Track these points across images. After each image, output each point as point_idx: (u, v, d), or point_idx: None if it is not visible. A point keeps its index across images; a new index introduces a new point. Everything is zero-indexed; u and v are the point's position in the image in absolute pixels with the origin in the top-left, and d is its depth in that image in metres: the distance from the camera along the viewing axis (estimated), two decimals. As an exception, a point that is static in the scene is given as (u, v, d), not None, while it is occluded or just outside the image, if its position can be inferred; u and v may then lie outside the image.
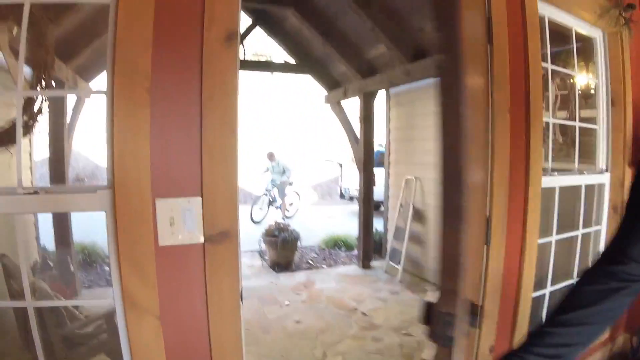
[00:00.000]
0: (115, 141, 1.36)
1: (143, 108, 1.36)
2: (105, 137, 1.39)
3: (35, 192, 1.45)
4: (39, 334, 1.72)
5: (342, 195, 13.12)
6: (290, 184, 12.14)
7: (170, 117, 1.39)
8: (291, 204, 12.11)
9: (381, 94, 6.83)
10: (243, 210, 10.64)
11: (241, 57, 6.77)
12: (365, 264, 6.64)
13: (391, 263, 6.30)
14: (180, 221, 1.40)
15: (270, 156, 12.07)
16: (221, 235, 1.42)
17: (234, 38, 1.41)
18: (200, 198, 1.40)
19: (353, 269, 6.67)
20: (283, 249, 6.66)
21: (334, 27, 5.87)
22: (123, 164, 1.36)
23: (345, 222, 10.16)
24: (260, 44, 7.55)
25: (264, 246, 7.02)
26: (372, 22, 4.86)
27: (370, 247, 6.76)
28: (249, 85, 20.74)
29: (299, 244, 6.97)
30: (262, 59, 7.71)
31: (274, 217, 10.49)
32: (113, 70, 1.36)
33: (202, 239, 1.41)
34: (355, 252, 7.29)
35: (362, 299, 5.24)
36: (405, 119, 6.55)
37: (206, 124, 1.39)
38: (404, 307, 4.94)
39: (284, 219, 10.79)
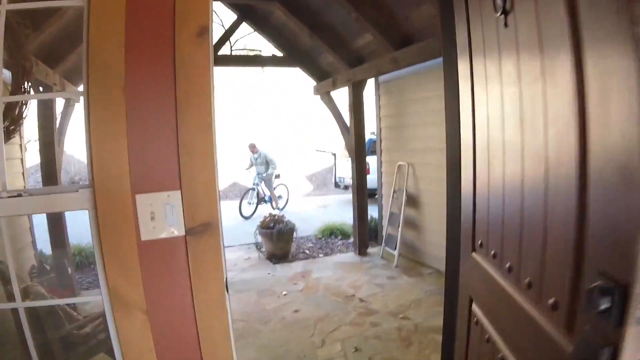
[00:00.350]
0: (92, 140, 1.38)
1: (118, 106, 1.38)
2: (85, 137, 1.42)
3: (19, 195, 1.48)
4: (35, 336, 1.74)
5: (337, 185, 13.13)
6: (277, 176, 11.82)
7: (146, 114, 1.41)
8: (280, 197, 11.91)
9: (370, 83, 6.85)
10: (234, 205, 10.38)
11: (227, 53, 6.78)
12: (362, 251, 6.69)
13: (387, 249, 6.35)
14: (161, 215, 1.42)
15: (252, 147, 11.67)
16: (202, 227, 1.45)
17: (206, 33, 1.43)
18: (180, 191, 1.43)
19: (350, 256, 6.72)
20: (279, 241, 6.70)
21: (319, 18, 5.86)
22: (101, 162, 1.39)
23: (341, 211, 10.19)
24: (249, 38, 7.51)
25: (260, 238, 7.05)
26: (357, 12, 4.86)
27: (365, 234, 6.82)
28: (241, 80, 20.72)
29: (295, 234, 7.02)
30: (253, 54, 7.68)
31: (265, 211, 10.36)
32: (88, 70, 1.39)
33: (183, 232, 1.44)
34: (351, 240, 7.33)
35: (359, 285, 5.29)
36: (395, 106, 6.57)
37: (181, 118, 1.41)
38: (401, 291, 4.99)
39: (276, 210, 10.80)
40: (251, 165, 11.74)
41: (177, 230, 1.44)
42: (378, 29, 4.92)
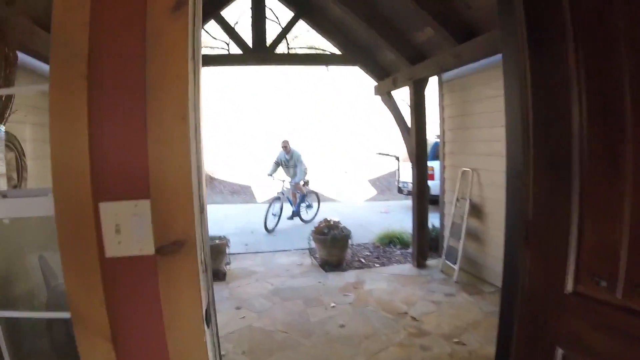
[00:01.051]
0: (51, 136, 1.17)
1: (80, 97, 1.15)
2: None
3: (-8, 198, 1.32)
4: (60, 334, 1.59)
5: (400, 190, 12.54)
6: (306, 182, 10.16)
7: (111, 106, 1.16)
8: (310, 206, 10.43)
9: (434, 82, 6.40)
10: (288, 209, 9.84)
11: (284, 51, 6.60)
12: (420, 262, 6.24)
13: (447, 262, 5.86)
14: (128, 229, 1.17)
15: (285, 145, 9.96)
16: (175, 245, 1.17)
17: (184, 5, 1.16)
18: (149, 200, 1.17)
19: (407, 268, 6.29)
20: (333, 247, 6.39)
21: (377, 11, 5.52)
22: (60, 162, 1.17)
23: (403, 218, 9.70)
24: (307, 36, 7.31)
25: (314, 244, 6.78)
26: (415, 3, 4.47)
27: (425, 245, 6.34)
28: (305, 81, 20.76)
29: (350, 242, 6.68)
30: (311, 52, 7.47)
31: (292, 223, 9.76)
32: (51, 53, 1.17)
33: (153, 250, 1.18)
34: (410, 250, 6.88)
35: (413, 301, 4.88)
36: (459, 106, 6.06)
37: (151, 111, 1.15)
38: (458, 310, 4.52)
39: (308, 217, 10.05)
40: (275, 170, 10.04)
41: (146, 248, 1.18)
42: (438, 20, 4.50)
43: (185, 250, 1.18)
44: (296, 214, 10.03)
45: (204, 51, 6.85)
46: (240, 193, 15.03)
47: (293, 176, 9.96)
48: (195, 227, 1.18)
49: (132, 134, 1.16)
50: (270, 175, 9.97)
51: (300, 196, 10.05)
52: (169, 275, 1.19)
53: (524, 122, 1.53)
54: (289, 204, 9.89)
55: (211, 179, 15.64)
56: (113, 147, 1.16)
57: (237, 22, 6.47)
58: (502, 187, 4.84)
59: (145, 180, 1.16)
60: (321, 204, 10.59)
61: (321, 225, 6.78)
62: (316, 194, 10.60)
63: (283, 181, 9.86)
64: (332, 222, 6.85)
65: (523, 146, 1.55)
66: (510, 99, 1.71)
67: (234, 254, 6.79)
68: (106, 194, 1.17)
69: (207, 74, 19.04)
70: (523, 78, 1.56)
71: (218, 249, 6.06)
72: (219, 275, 5.96)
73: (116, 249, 1.18)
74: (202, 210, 1.24)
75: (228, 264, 6.35)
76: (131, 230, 1.17)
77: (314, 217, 10.11)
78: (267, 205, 9.41)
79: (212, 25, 6.54)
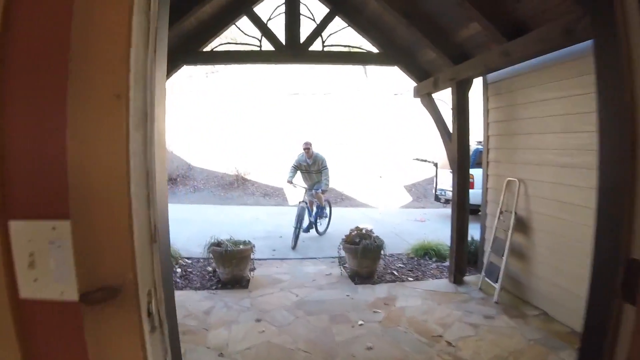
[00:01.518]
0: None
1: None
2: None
3: None
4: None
5: (437, 198, 11.95)
6: (324, 190, 8.53)
7: (26, 83, 0.83)
8: (325, 216, 9.30)
9: (478, 84, 5.89)
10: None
11: (318, 48, 6.25)
12: (457, 278, 5.75)
13: (487, 280, 5.35)
14: (45, 261, 0.84)
15: (307, 147, 8.47)
16: (105, 293, 0.83)
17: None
18: (69, 222, 0.82)
19: (443, 283, 5.81)
20: (364, 258, 5.98)
21: (417, 7, 5.09)
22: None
23: (439, 227, 9.17)
24: (344, 34, 6.89)
25: (343, 253, 6.37)
26: (461, -5, 4.04)
27: (463, 260, 5.85)
28: (341, 81, 20.38)
29: (382, 252, 6.23)
30: (347, 50, 7.08)
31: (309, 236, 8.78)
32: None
33: (76, 296, 0.83)
34: (447, 263, 6.39)
35: (449, 323, 4.42)
36: (506, 110, 5.53)
37: (73, 88, 0.81)
38: (499, 336, 4.04)
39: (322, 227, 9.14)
40: (294, 175, 8.60)
41: (68, 292, 0.84)
42: (484, 15, 4.03)
43: (121, 301, 0.83)
44: (313, 225, 8.96)
45: (234, 47, 6.58)
46: (273, 195, 14.77)
47: (316, 183, 8.65)
48: (139, 266, 0.83)
49: (47, 123, 0.82)
50: (290, 181, 8.57)
51: (318, 206, 8.94)
52: (99, 333, 0.84)
53: (631, 120, 1.08)
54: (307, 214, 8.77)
55: (244, 180, 15.45)
56: (27, 142, 0.83)
57: (270, 18, 6.16)
58: (552, 200, 4.31)
59: (64, 192, 0.82)
60: (354, 209, 10.11)
61: (352, 234, 6.38)
62: (328, 202, 9.49)
63: (311, 190, 8.65)
64: (364, 231, 6.45)
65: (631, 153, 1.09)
66: (605, 90, 1.29)
67: (259, 259, 6.49)
68: (18, 210, 0.84)
69: (242, 71, 18.99)
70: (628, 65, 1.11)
71: (242, 255, 5.78)
72: (242, 283, 5.68)
73: (32, 288, 0.85)
74: (155, 238, 0.89)
75: (253, 270, 6.05)
76: (49, 263, 0.84)
77: (327, 228, 9.26)
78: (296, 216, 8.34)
79: (244, 22, 6.27)
